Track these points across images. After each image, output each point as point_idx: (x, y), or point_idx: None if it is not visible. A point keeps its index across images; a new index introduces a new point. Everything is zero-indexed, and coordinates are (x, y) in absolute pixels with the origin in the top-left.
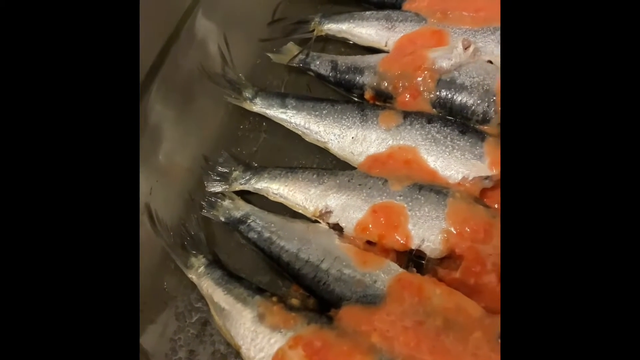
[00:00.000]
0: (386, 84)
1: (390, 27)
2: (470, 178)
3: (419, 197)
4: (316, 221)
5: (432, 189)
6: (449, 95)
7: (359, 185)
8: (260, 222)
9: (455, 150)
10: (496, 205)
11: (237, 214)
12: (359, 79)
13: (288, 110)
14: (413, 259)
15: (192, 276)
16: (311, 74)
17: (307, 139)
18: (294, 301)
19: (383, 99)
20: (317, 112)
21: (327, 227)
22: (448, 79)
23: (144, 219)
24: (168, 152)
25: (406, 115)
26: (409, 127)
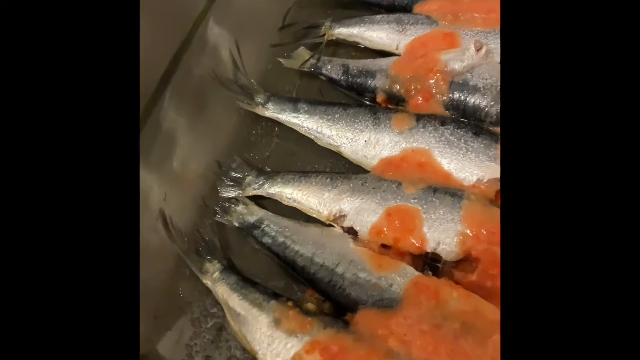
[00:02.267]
0: (398, 87)
1: (401, 30)
2: (485, 180)
3: (434, 199)
4: (330, 225)
5: (447, 191)
6: (462, 97)
7: (373, 188)
8: (274, 227)
9: (469, 152)
10: None
11: (251, 219)
12: (370, 82)
13: (300, 115)
14: (429, 262)
15: (207, 282)
16: (323, 78)
17: (319, 143)
18: (310, 306)
19: (395, 102)
20: (329, 116)
21: (341, 231)
22: (460, 81)
23: (158, 225)
24: (181, 159)
25: (419, 117)
26: (422, 129)
